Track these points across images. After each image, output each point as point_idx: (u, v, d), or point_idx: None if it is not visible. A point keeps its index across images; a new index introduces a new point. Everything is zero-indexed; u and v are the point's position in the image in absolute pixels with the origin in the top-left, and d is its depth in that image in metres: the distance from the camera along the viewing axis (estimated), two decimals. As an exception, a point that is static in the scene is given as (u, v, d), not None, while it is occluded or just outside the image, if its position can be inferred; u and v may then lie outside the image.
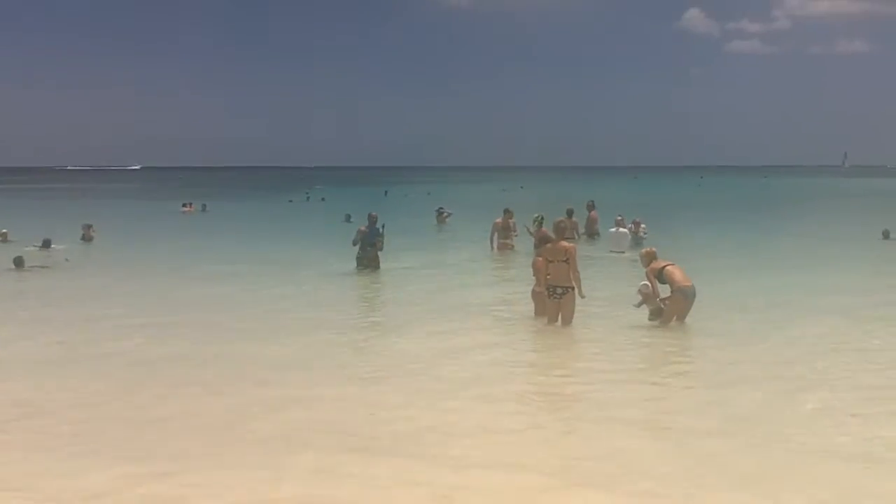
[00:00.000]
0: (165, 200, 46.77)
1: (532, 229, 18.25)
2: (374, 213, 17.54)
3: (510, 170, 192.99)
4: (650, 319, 11.51)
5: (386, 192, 61.03)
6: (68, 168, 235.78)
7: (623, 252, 20.43)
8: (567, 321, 11.24)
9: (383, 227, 17.34)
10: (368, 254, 17.27)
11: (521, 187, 73.13)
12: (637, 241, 21.45)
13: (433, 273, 17.75)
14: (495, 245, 20.78)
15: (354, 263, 17.29)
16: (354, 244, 17.35)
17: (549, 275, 11.27)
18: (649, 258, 11.76)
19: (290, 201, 50.41)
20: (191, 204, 40.09)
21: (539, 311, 11.84)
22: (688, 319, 11.39)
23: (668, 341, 10.84)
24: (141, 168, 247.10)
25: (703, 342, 10.86)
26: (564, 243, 11.32)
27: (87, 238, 24.08)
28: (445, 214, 31.46)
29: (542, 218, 19.13)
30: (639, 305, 11.70)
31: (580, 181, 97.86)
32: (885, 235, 23.63)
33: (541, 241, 12.52)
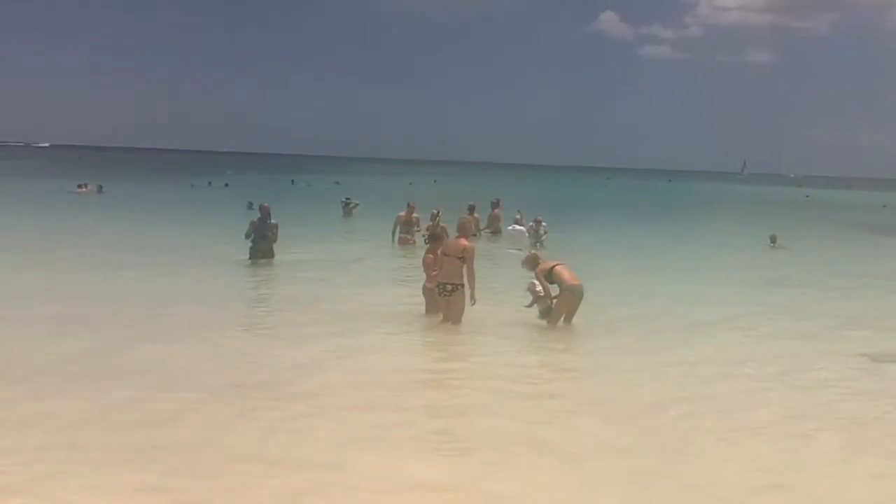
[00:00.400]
0: (63, 179, 44.63)
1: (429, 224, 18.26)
2: (265, 205, 16.94)
3: (423, 163, 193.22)
4: (540, 318, 11.55)
5: (293, 180, 60.03)
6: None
7: (521, 250, 20.54)
8: (456, 320, 11.08)
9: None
10: (262, 245, 16.63)
11: (434, 181, 73.17)
12: (536, 238, 21.66)
13: (328, 266, 17.39)
14: (396, 239, 20.71)
15: (248, 255, 16.64)
16: (247, 237, 16.70)
17: (439, 271, 11.13)
18: (533, 263, 11.80)
19: (192, 185, 49.10)
20: (86, 185, 38.57)
21: (430, 309, 11.71)
22: (575, 319, 11.48)
23: (555, 339, 10.91)
24: (51, 146, 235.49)
25: (589, 341, 10.98)
26: (463, 241, 10.98)
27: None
28: (353, 205, 31.11)
29: (439, 213, 19.18)
30: (530, 305, 11.71)
31: (494, 177, 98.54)
32: (773, 241, 24.54)
33: (432, 237, 12.40)
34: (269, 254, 16.73)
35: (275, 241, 16.75)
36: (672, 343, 10.91)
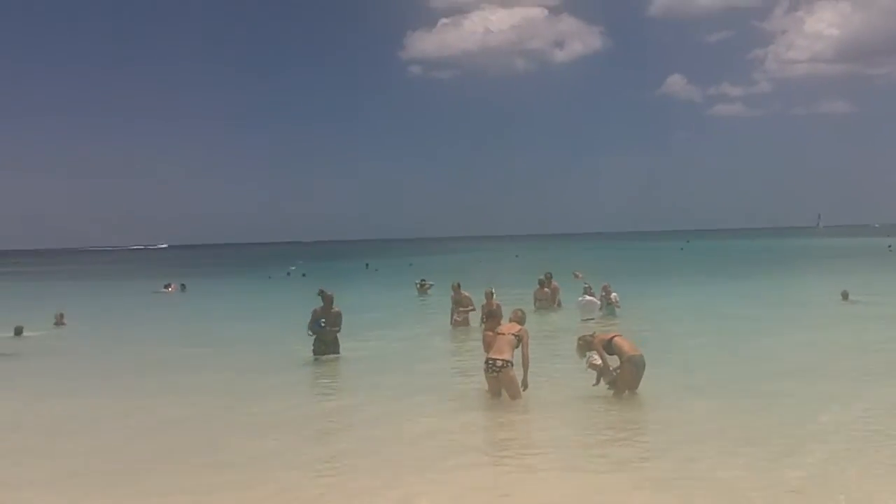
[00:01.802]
0: (153, 279, 46.60)
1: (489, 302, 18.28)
2: (328, 293, 16.05)
3: (498, 239, 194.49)
4: (609, 390, 11.53)
5: (367, 264, 60.94)
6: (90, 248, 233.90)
7: (594, 319, 20.58)
8: (513, 395, 11.14)
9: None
10: (325, 337, 15.73)
11: (517, 256, 73.29)
12: (608, 307, 21.63)
13: (400, 352, 17.47)
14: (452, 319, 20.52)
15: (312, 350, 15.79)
16: (311, 331, 15.81)
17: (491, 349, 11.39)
18: (586, 346, 11.78)
19: (270, 277, 50.46)
20: (171, 284, 40.36)
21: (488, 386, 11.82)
22: (639, 389, 11.42)
23: (619, 411, 10.86)
24: (168, 247, 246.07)
25: (655, 413, 10.88)
26: (517, 325, 11.40)
27: (58, 324, 23.98)
28: (427, 286, 31.61)
29: (493, 293, 19.25)
30: (596, 383, 11.67)
31: (571, 248, 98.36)
32: (844, 297, 23.91)
33: (489, 315, 12.60)
34: (334, 347, 15.84)
35: (338, 330, 15.92)
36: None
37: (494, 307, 18.22)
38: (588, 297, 21.48)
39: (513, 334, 11.26)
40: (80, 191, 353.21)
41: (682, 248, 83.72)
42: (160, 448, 9.76)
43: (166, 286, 40.07)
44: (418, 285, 31.89)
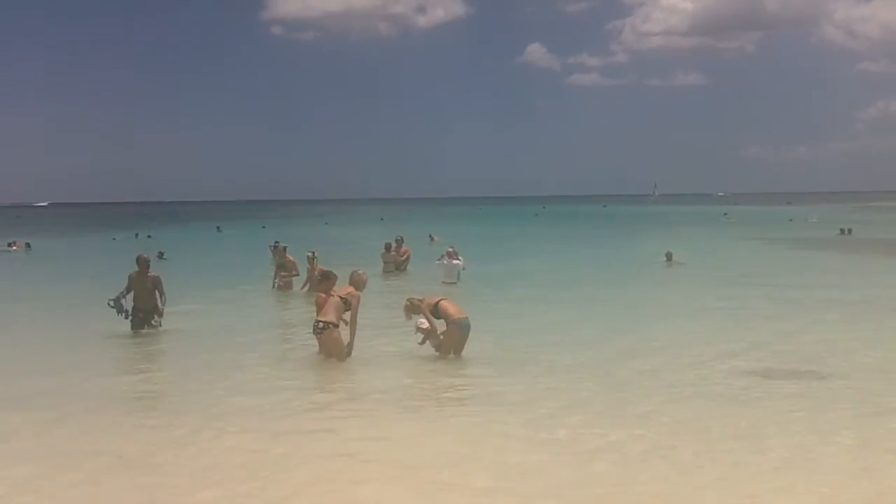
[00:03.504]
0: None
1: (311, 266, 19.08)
2: (144, 255, 14.37)
3: (359, 202, 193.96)
4: (436, 352, 11.75)
5: (219, 227, 59.13)
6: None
7: (454, 283, 20.82)
8: (338, 357, 11.29)
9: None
10: (145, 306, 13.99)
11: (382, 219, 73.24)
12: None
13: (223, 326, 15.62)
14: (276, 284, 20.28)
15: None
16: (115, 306, 13.89)
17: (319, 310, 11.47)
18: (413, 309, 11.92)
19: (114, 239, 48.45)
20: (16, 242, 40.13)
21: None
22: (464, 352, 11.70)
23: (447, 369, 11.11)
24: (49, 204, 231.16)
25: (478, 372, 11.14)
26: (352, 288, 11.46)
27: None
28: (282, 248, 31.16)
29: (314, 255, 19.69)
30: (422, 342, 11.86)
31: (427, 212, 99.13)
32: (668, 258, 25.53)
33: (324, 277, 12.55)
34: (151, 317, 14.02)
35: (161, 297, 14.10)
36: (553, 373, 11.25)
37: (317, 272, 18.44)
38: (453, 261, 21.68)
39: (341, 297, 11.32)
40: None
41: (536, 214, 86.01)
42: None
43: (10, 244, 39.74)
44: (272, 248, 31.42)
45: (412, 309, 11.95)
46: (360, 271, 11.92)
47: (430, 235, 40.05)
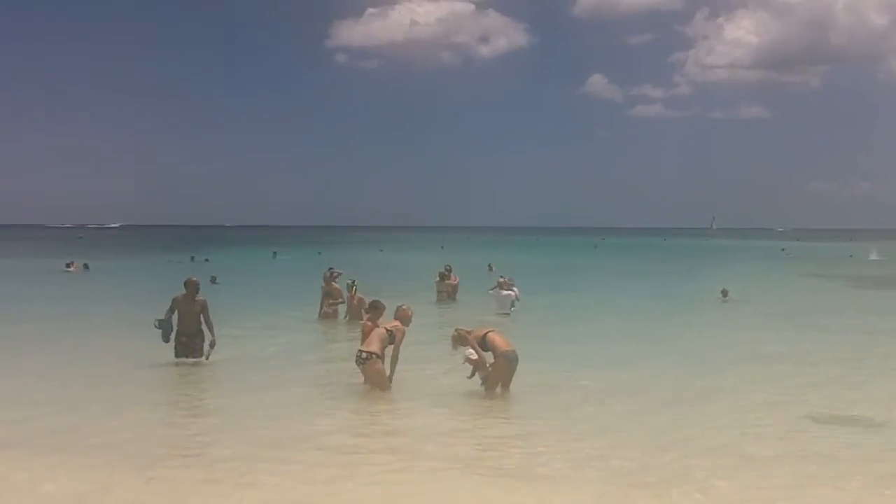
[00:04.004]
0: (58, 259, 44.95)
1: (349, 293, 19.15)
2: (194, 278, 13.83)
3: (417, 230, 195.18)
4: (481, 385, 11.49)
5: (274, 253, 59.42)
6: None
7: (508, 314, 20.53)
8: (380, 387, 11.21)
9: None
10: (188, 330, 13.51)
11: (442, 247, 72.95)
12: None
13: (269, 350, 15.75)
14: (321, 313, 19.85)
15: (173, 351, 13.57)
16: (159, 326, 13.49)
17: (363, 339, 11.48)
18: (460, 340, 11.70)
19: (170, 261, 49.16)
20: (73, 263, 40.11)
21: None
22: (512, 386, 11.40)
23: (487, 406, 10.86)
24: (121, 226, 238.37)
25: (523, 408, 10.86)
26: (398, 323, 11.40)
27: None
28: (336, 275, 31.25)
29: (354, 283, 19.49)
30: (471, 376, 11.65)
31: (486, 242, 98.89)
32: (724, 295, 24.93)
33: (372, 307, 12.40)
34: (197, 348, 13.54)
35: (208, 323, 13.59)
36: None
37: (356, 301, 18.55)
38: (504, 291, 21.47)
39: (387, 329, 11.27)
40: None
41: (595, 246, 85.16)
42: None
43: (67, 265, 39.82)
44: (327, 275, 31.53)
45: (459, 340, 11.75)
46: (404, 307, 11.84)
47: (489, 265, 39.75)
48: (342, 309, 19.73)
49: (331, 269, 31.68)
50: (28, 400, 10.96)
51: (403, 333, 11.35)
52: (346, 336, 16.80)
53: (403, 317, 11.61)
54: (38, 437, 9.14)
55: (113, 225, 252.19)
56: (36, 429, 9.48)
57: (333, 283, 20.29)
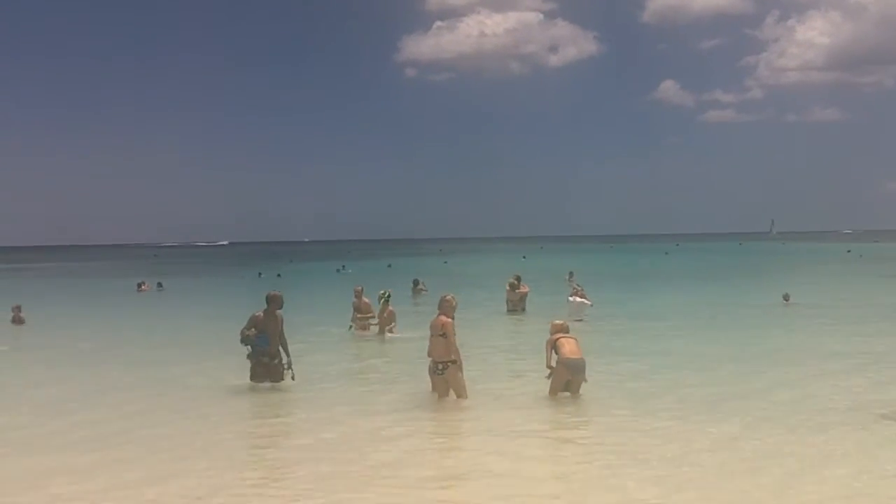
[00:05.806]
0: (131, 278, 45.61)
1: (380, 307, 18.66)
2: (277, 293, 12.68)
3: (490, 241, 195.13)
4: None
5: (342, 266, 58.69)
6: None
7: (582, 320, 20.31)
8: (460, 394, 11.13)
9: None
10: (267, 352, 12.27)
11: (524, 257, 71.90)
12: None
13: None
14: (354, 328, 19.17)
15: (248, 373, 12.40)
16: (244, 343, 12.31)
17: (431, 351, 11.22)
18: (556, 329, 11.75)
19: (242, 277, 49.78)
20: (144, 283, 39.70)
21: (433, 387, 11.58)
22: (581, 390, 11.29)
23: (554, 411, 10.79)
24: (229, 244, 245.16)
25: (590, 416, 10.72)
26: (443, 317, 11.11)
27: (17, 321, 23.56)
28: (420, 288, 31.63)
29: (387, 294, 18.89)
30: (549, 376, 11.53)
31: (559, 251, 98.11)
32: (786, 299, 24.71)
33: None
34: (278, 371, 12.31)
35: (283, 341, 12.38)
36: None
37: (387, 313, 18.62)
38: (578, 299, 21.40)
39: (440, 334, 11.08)
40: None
41: (666, 253, 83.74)
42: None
43: (139, 285, 39.34)
44: (413, 286, 32.03)
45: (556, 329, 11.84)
46: (448, 296, 11.61)
47: (569, 272, 39.29)
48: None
49: (415, 280, 32.03)
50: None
51: (452, 326, 11.09)
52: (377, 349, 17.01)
53: (447, 307, 11.33)
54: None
55: (222, 242, 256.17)
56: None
57: (363, 297, 19.54)
